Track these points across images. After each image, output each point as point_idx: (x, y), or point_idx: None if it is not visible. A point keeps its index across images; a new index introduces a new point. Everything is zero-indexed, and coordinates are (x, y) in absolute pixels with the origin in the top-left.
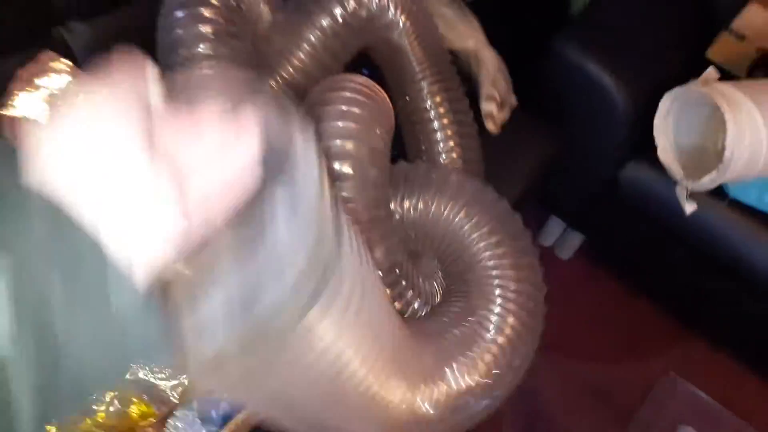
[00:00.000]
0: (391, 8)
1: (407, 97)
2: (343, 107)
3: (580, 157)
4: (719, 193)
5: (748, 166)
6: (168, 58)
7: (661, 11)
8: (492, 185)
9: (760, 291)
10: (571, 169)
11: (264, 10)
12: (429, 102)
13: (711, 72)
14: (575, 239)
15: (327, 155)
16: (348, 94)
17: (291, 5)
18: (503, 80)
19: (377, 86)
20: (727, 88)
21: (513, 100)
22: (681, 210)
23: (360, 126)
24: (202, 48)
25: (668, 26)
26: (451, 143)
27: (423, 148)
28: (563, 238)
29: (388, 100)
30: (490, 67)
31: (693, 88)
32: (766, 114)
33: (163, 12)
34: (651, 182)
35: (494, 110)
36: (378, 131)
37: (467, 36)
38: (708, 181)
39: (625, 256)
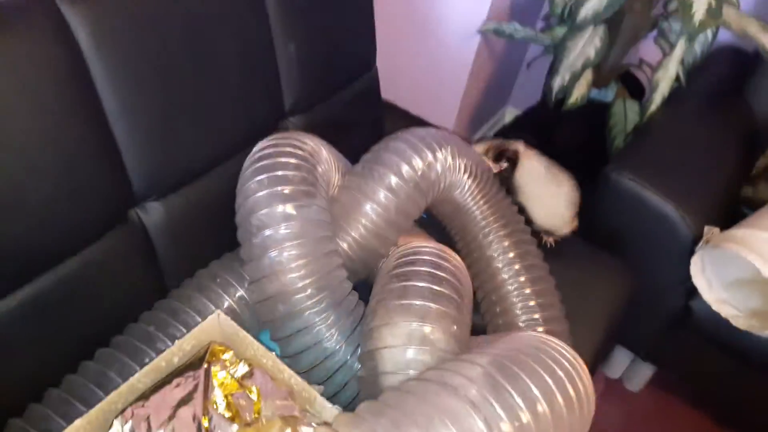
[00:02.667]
0: (458, 169)
1: (475, 255)
2: (424, 284)
3: (648, 288)
4: None
5: None
6: (248, 235)
7: (706, 138)
8: (573, 333)
9: None
10: (639, 300)
11: (336, 177)
12: (501, 258)
13: (708, 231)
14: (646, 370)
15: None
16: (429, 269)
17: (358, 167)
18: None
19: (454, 254)
20: (742, 231)
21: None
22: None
23: (441, 308)
24: (284, 228)
25: (713, 154)
26: (531, 303)
27: (497, 310)
28: (632, 369)
29: (465, 269)
30: None
31: (712, 249)
32: None
33: (241, 189)
34: None
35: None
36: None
37: None
38: None
39: (702, 386)
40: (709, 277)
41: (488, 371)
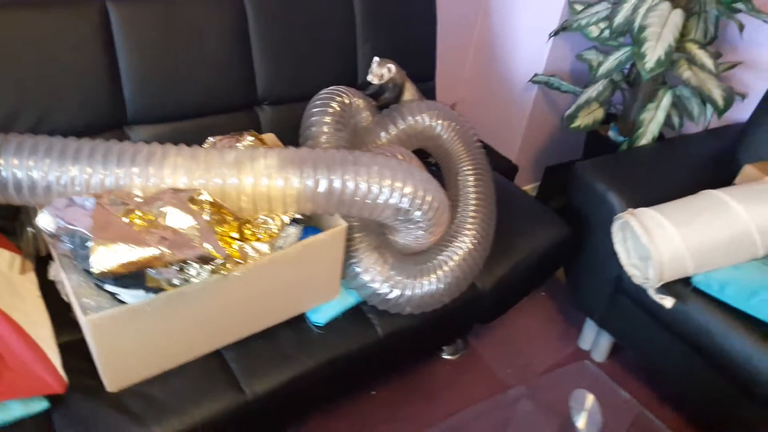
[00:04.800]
0: (437, 124)
1: (451, 181)
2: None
3: (595, 259)
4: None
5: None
6: (305, 132)
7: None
8: (499, 252)
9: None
10: (590, 268)
11: (365, 114)
12: (464, 184)
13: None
14: (605, 341)
15: None
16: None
17: (384, 113)
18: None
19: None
20: (646, 210)
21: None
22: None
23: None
24: (325, 129)
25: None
26: (473, 214)
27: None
28: (597, 341)
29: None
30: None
31: (620, 219)
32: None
33: (306, 110)
34: None
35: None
36: None
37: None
38: (652, 279)
39: (645, 358)
40: (628, 248)
41: None
